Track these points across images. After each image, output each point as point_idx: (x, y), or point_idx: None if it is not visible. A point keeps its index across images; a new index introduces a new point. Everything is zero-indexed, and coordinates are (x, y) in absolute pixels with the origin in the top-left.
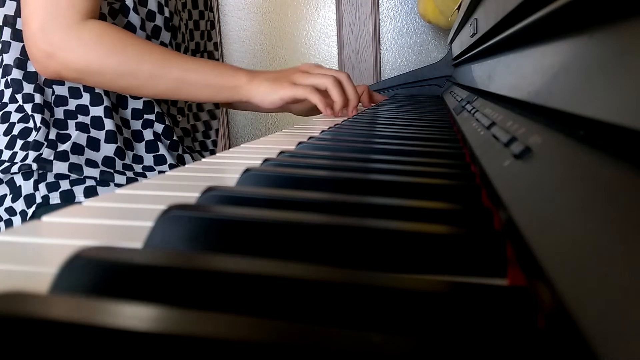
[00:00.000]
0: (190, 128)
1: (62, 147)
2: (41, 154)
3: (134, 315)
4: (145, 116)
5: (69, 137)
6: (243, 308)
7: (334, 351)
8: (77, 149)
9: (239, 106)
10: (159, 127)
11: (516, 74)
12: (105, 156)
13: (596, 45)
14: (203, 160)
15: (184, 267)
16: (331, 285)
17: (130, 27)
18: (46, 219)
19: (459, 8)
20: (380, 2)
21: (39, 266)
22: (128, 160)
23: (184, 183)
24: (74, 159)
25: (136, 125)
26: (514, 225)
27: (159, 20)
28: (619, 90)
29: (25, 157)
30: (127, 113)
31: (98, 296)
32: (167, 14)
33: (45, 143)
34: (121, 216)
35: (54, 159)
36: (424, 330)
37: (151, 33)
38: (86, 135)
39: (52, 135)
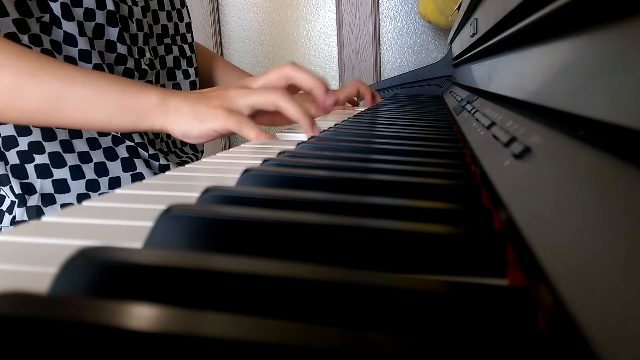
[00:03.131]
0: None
1: (31, 200)
2: (14, 217)
3: (134, 315)
4: (112, 133)
5: (33, 188)
6: (243, 308)
7: (334, 351)
8: (46, 199)
9: None
10: (131, 143)
11: (516, 74)
12: (78, 194)
13: (596, 45)
14: (203, 160)
15: (183, 267)
16: (331, 285)
17: (69, 38)
18: (46, 219)
19: (459, 8)
20: (380, 2)
21: (39, 266)
22: (104, 188)
23: (184, 183)
24: (48, 211)
25: (107, 142)
26: (514, 225)
27: (100, 17)
28: (619, 90)
29: (1, 216)
30: (93, 132)
31: (98, 296)
32: (110, 6)
33: (17, 201)
34: (121, 216)
35: (29, 217)
36: (424, 330)
37: (93, 34)
38: (50, 180)
39: (17, 189)
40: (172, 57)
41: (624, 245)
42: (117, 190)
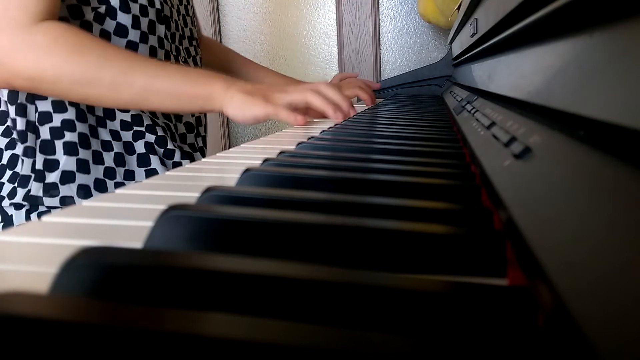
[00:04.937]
0: (195, 122)
1: (50, 177)
2: (29, 190)
3: (134, 315)
4: (135, 128)
5: (57, 164)
6: (243, 308)
7: (334, 351)
8: (67, 177)
9: None
10: (150, 138)
11: (516, 74)
12: (96, 178)
13: (596, 45)
14: (203, 160)
15: (184, 267)
16: (331, 285)
17: (120, 29)
18: (46, 219)
19: (459, 8)
20: (380, 2)
21: (39, 266)
22: (120, 178)
23: (184, 183)
24: (64, 190)
25: (127, 136)
26: (514, 225)
27: (152, 14)
28: (619, 90)
29: (14, 193)
30: (116, 124)
31: (98, 296)
32: (158, 5)
33: (32, 175)
34: (121, 216)
35: (43, 194)
36: (424, 330)
37: (147, 29)
38: (75, 158)
39: (39, 164)
40: (198, 58)
41: (623, 245)
42: (118, 190)
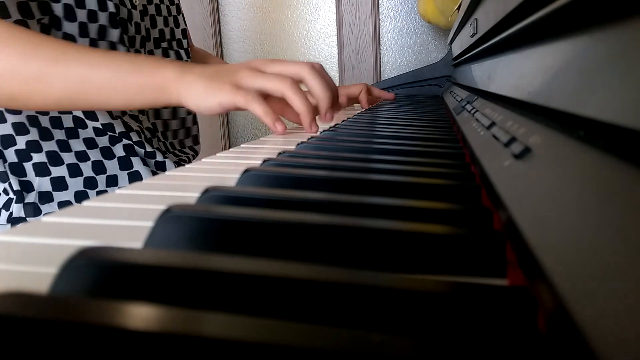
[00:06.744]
0: (152, 126)
1: (29, 197)
2: (11, 213)
3: (134, 315)
4: (110, 133)
5: (31, 185)
6: (243, 308)
7: (334, 351)
8: (44, 197)
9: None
10: (128, 141)
11: (516, 74)
12: (76, 191)
13: (596, 45)
14: (203, 160)
15: (184, 267)
16: (331, 285)
17: (67, 39)
18: (46, 219)
19: (459, 8)
20: (380, 2)
21: (39, 266)
22: (102, 186)
23: (184, 183)
24: (45, 208)
25: (104, 141)
26: (514, 225)
27: (104, 18)
28: (619, 90)
29: None
30: (90, 132)
31: (98, 296)
32: (112, 8)
33: (14, 197)
34: (121, 216)
35: (26, 214)
36: (424, 330)
37: (97, 35)
38: (48, 177)
39: (15, 185)
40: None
41: (623, 245)
42: (117, 191)
